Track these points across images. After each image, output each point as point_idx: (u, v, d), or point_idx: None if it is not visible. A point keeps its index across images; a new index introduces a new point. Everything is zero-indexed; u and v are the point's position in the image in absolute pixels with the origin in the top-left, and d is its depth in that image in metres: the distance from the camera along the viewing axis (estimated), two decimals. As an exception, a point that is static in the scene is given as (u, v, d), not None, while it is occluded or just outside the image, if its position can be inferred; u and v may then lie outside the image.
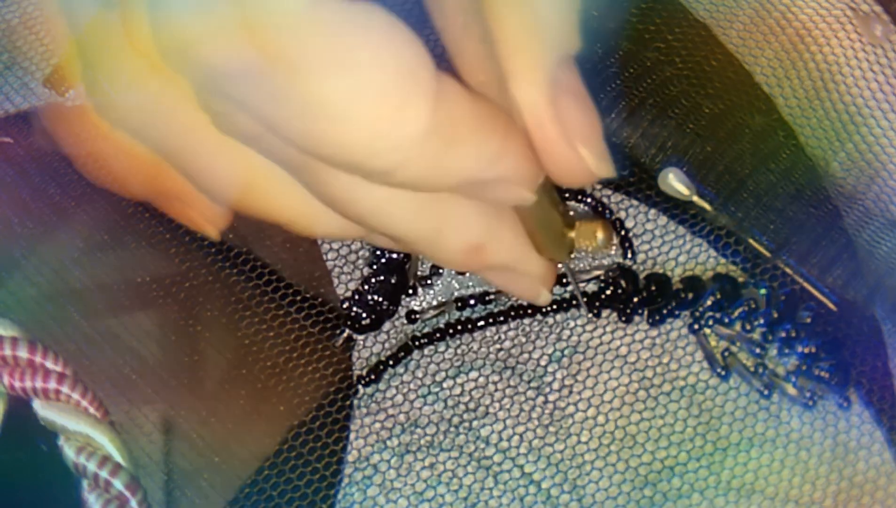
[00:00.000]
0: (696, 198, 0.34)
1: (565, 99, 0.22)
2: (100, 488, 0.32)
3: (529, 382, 0.34)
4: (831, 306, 0.32)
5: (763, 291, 0.32)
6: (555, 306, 0.35)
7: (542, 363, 0.34)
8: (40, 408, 0.33)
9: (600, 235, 0.33)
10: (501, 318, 0.35)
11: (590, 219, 0.34)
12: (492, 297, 0.35)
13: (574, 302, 0.34)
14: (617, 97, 0.36)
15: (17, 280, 0.34)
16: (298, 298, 0.36)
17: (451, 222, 0.24)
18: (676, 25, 0.36)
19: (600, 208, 0.36)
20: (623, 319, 0.34)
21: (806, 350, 0.32)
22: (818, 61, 0.35)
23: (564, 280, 0.35)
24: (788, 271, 0.33)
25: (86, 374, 0.33)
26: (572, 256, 0.28)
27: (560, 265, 0.32)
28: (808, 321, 0.32)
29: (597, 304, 0.34)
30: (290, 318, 0.35)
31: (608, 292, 0.34)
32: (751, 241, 0.33)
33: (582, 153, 0.22)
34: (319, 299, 0.36)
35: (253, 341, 0.35)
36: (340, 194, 0.23)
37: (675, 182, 0.34)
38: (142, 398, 0.34)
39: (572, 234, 0.26)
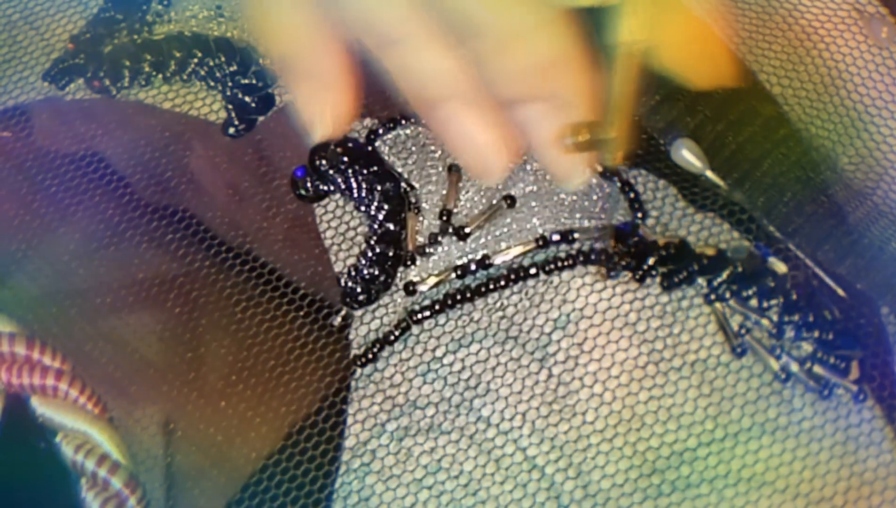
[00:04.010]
0: (708, 172, 0.29)
1: None
2: (98, 486, 0.30)
3: (533, 353, 0.30)
4: (842, 293, 0.28)
5: (785, 268, 0.28)
6: (560, 264, 0.30)
7: (547, 330, 0.30)
8: (38, 405, 0.31)
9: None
10: (503, 282, 0.31)
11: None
12: (492, 261, 0.31)
13: (580, 258, 0.30)
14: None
15: (15, 277, 0.33)
16: (296, 285, 0.33)
17: (543, 27, 0.21)
18: None
19: (608, 174, 0.31)
20: (637, 277, 0.29)
21: (823, 337, 0.27)
22: (825, 58, 0.32)
23: (570, 236, 0.31)
24: (800, 254, 0.28)
25: (86, 372, 0.32)
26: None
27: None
28: (825, 309, 0.27)
29: (612, 260, 0.30)
30: (287, 299, 0.33)
31: (622, 249, 0.30)
32: (764, 222, 0.29)
33: None
34: (318, 282, 0.33)
35: (252, 331, 0.32)
36: None
37: (688, 154, 0.30)
38: (142, 395, 0.32)
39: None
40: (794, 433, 0.27)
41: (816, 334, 0.27)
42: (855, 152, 0.31)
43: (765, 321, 0.28)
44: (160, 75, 0.36)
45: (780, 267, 0.28)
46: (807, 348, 0.27)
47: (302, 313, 0.32)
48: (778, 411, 0.27)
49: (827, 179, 0.31)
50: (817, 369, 0.27)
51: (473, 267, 0.32)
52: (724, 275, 0.28)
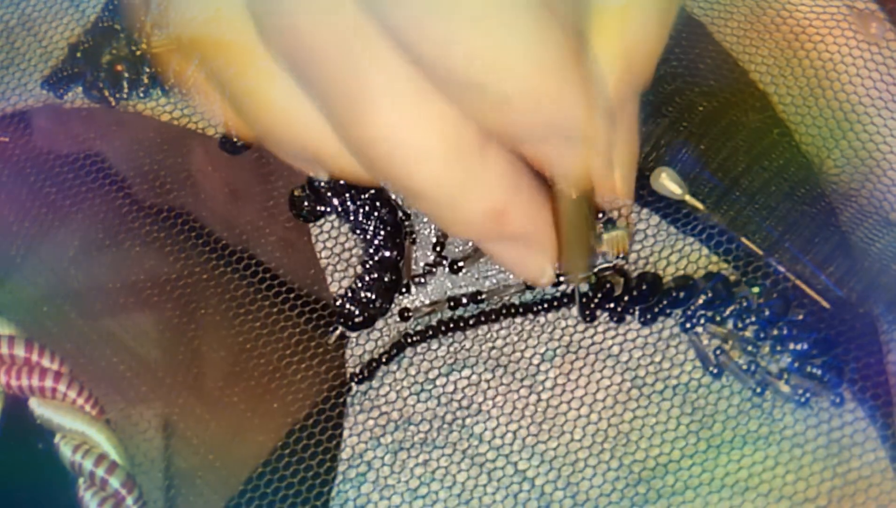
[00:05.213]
0: (688, 197, 0.32)
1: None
2: (96, 486, 0.31)
3: (522, 380, 0.32)
4: (825, 304, 0.31)
5: (756, 289, 0.31)
6: (546, 306, 0.33)
7: (535, 362, 0.33)
8: (37, 406, 0.31)
9: (626, 245, 0.32)
10: (494, 316, 0.34)
11: (614, 228, 0.33)
12: (484, 296, 0.34)
13: (565, 300, 0.33)
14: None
15: (14, 279, 0.33)
16: (293, 295, 0.34)
17: (479, 178, 0.21)
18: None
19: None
20: (615, 319, 0.33)
21: (799, 348, 0.30)
22: (813, 59, 0.33)
23: (558, 279, 0.34)
24: (781, 269, 0.32)
25: (83, 374, 0.32)
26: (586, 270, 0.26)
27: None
28: (802, 318, 0.31)
29: (590, 306, 0.33)
30: (283, 316, 0.34)
31: (600, 293, 0.33)
32: (743, 239, 0.32)
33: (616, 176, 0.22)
34: (314, 298, 0.34)
35: (248, 339, 0.34)
36: (375, 134, 0.20)
37: (667, 182, 0.33)
38: (139, 397, 0.32)
39: (602, 247, 0.25)
40: (776, 441, 0.29)
41: (792, 346, 0.30)
42: (841, 154, 0.32)
43: (741, 341, 0.31)
44: (158, 87, 0.37)
45: (750, 290, 0.32)
46: (787, 359, 0.31)
47: (299, 326, 0.34)
48: (759, 422, 0.30)
49: (812, 184, 0.32)
50: (795, 379, 0.30)
51: (465, 301, 0.34)
52: (698, 302, 0.32)
